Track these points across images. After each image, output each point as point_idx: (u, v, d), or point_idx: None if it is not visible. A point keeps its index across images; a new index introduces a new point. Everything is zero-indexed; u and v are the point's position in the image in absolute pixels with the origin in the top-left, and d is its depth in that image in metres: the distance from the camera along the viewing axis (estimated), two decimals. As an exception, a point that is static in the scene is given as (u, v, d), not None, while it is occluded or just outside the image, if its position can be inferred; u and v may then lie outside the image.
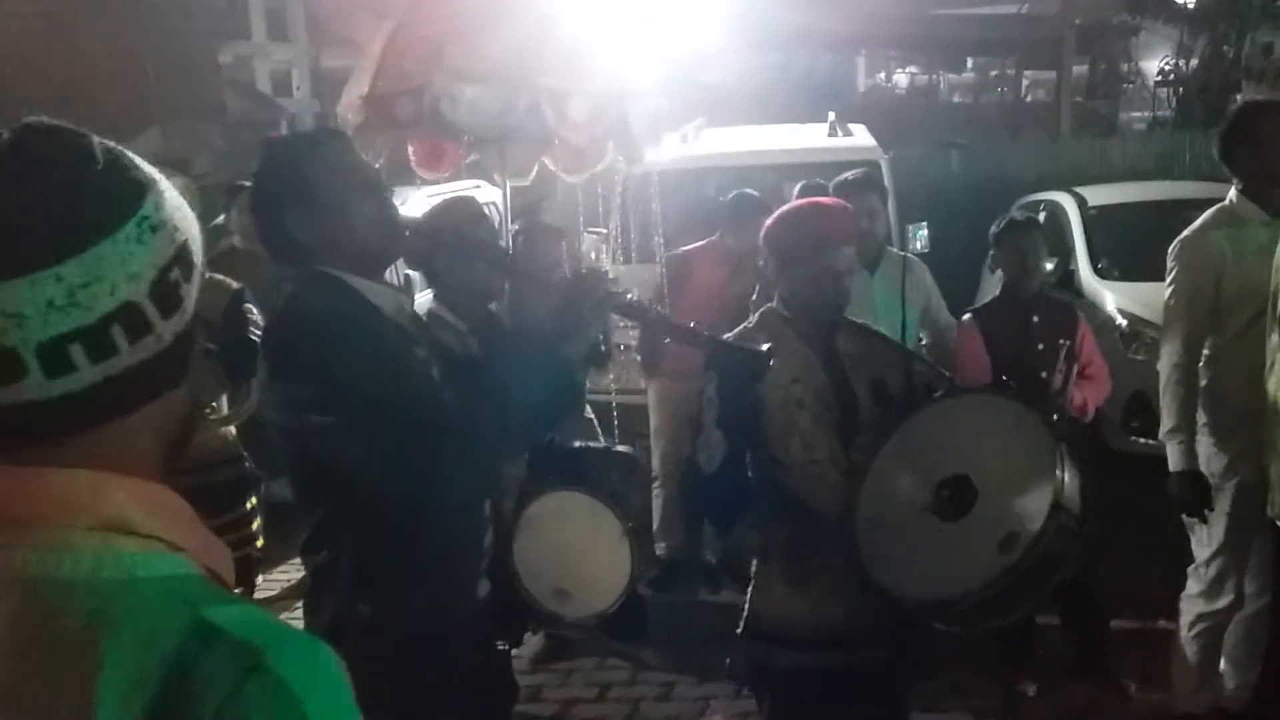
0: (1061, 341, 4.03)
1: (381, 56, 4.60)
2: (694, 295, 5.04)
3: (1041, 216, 7.82)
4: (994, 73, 26.17)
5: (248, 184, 2.63)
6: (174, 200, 0.97)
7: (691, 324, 2.43)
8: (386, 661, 2.04)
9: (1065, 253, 7.51)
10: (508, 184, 5.16)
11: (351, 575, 2.07)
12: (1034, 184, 9.62)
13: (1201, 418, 3.52)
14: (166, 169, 1.04)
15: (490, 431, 2.03)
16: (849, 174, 4.57)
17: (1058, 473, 2.32)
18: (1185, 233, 3.59)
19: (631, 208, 7.14)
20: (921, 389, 2.75)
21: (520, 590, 2.59)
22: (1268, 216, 3.43)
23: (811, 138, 7.96)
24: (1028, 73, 23.93)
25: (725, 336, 2.70)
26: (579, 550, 2.81)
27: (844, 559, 2.51)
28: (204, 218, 1.08)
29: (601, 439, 4.70)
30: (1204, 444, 3.51)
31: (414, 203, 6.76)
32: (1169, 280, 3.57)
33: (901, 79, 28.90)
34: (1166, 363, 3.54)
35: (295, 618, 3.03)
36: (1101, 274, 7.34)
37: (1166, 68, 19.62)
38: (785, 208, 2.83)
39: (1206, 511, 3.49)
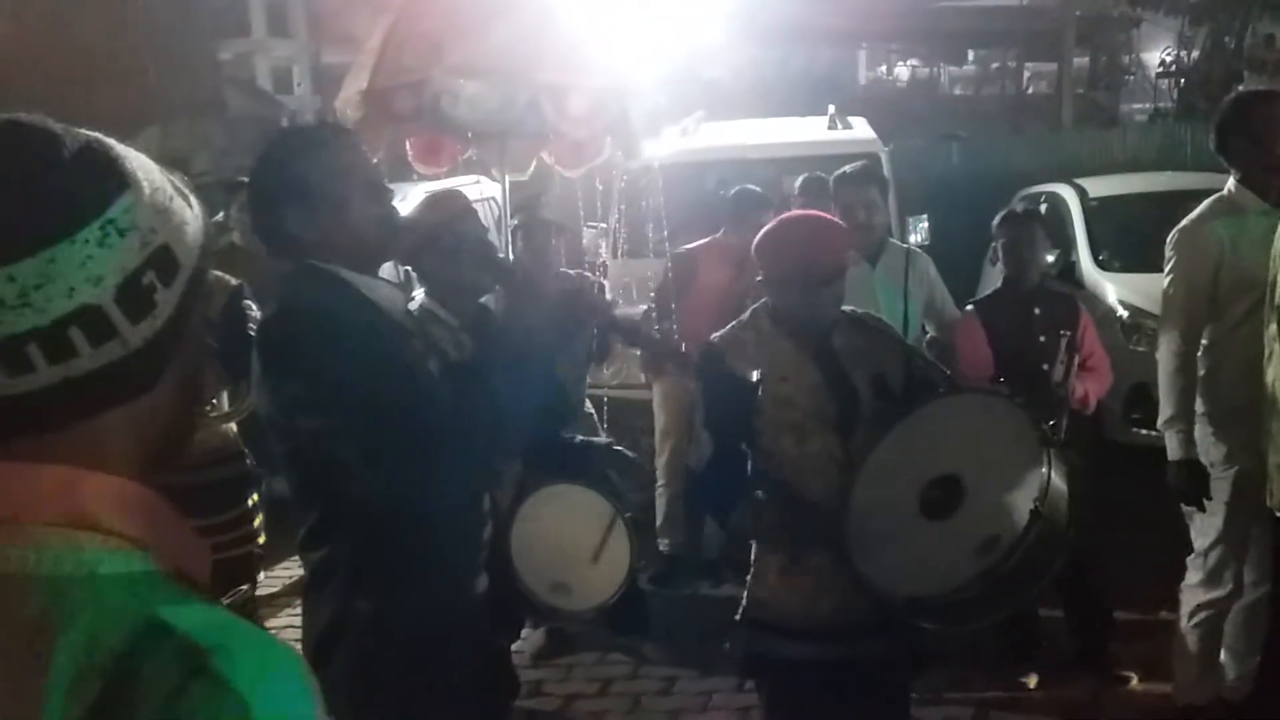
0: (1063, 333, 4.02)
1: (380, 51, 4.60)
2: (700, 293, 5.04)
3: (1042, 208, 7.82)
4: (995, 65, 26.14)
5: (247, 180, 2.64)
6: (156, 202, 0.95)
7: (683, 347, 2.44)
8: (386, 658, 2.04)
9: (1066, 245, 7.50)
10: (506, 179, 5.17)
11: (350, 572, 2.07)
12: (1035, 176, 9.60)
13: (1200, 407, 3.52)
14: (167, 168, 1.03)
15: (485, 434, 2.03)
16: (849, 167, 4.56)
17: (1044, 479, 2.32)
18: (1184, 222, 3.59)
19: (631, 202, 7.14)
20: (922, 384, 2.75)
21: (518, 585, 2.59)
22: (1266, 206, 3.42)
23: (811, 131, 7.95)
24: (1029, 65, 23.89)
25: (714, 336, 2.72)
26: (577, 543, 2.81)
27: (835, 550, 2.51)
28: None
29: (601, 433, 4.70)
30: (1202, 433, 3.51)
31: (412, 198, 6.75)
32: (1167, 270, 3.57)
33: (902, 72, 28.89)
34: (1165, 352, 3.54)
35: (297, 614, 3.04)
36: (1103, 266, 7.33)
37: (1168, 59, 19.61)
38: (779, 224, 2.75)
39: (1205, 501, 3.49)
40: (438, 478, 1.96)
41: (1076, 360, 4.05)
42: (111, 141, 0.97)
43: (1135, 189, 8.29)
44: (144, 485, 0.96)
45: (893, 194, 6.05)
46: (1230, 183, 3.55)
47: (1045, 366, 3.99)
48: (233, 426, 4.10)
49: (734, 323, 2.76)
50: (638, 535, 2.93)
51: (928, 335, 4.69)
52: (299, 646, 2.04)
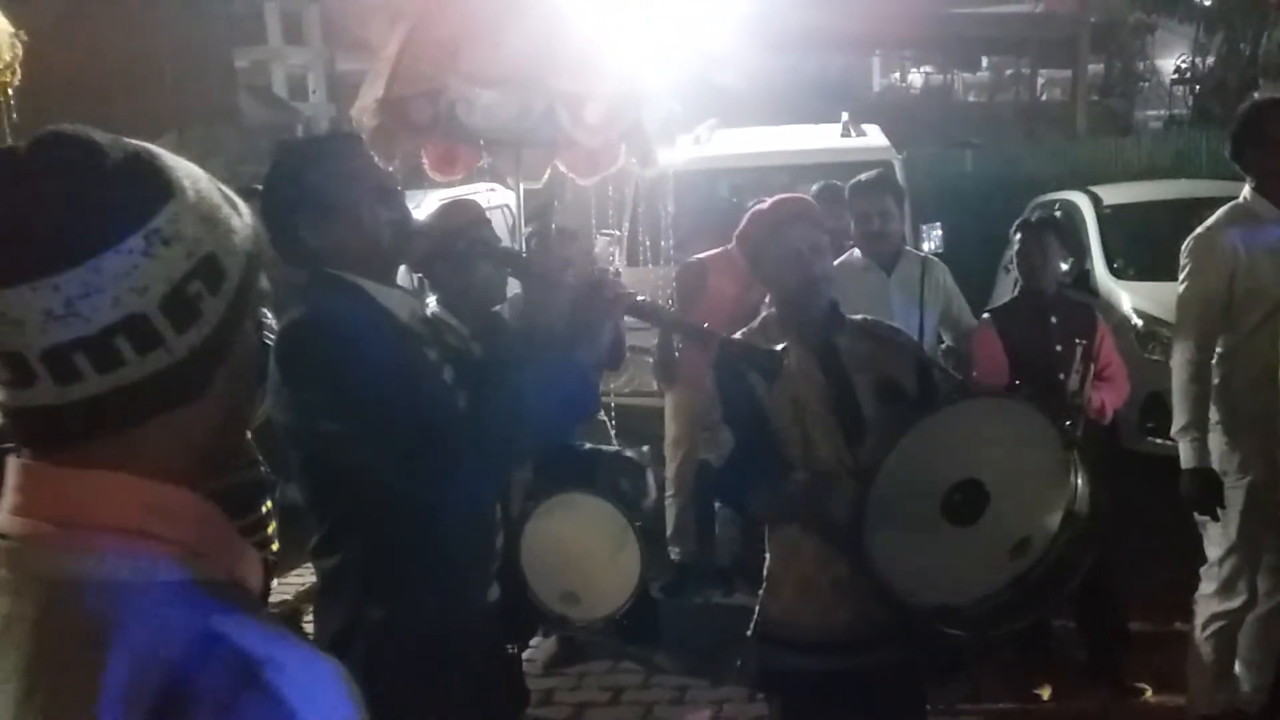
0: (1078, 342, 4.01)
1: (396, 59, 4.61)
2: (709, 303, 5.03)
3: (1056, 216, 7.79)
4: (1009, 72, 26.12)
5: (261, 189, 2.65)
6: (202, 210, 0.96)
7: (704, 324, 2.43)
8: (397, 666, 2.04)
9: (1080, 253, 7.48)
10: (521, 187, 5.17)
11: (362, 580, 2.07)
12: (1049, 183, 9.59)
13: (1214, 415, 3.50)
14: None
15: (503, 436, 2.02)
16: (864, 175, 4.55)
17: (1071, 479, 2.30)
18: (1199, 230, 3.58)
19: (644, 209, 7.14)
20: (938, 388, 2.74)
21: (527, 593, 2.59)
22: (1282, 214, 3.41)
23: (825, 138, 7.94)
24: (1043, 72, 23.87)
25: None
26: (587, 552, 2.81)
27: (850, 562, 2.50)
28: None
29: (614, 441, 4.70)
30: (1216, 442, 3.50)
31: (427, 206, 6.77)
32: (1182, 277, 3.55)
33: (916, 79, 28.88)
34: (1179, 360, 3.53)
35: (307, 622, 3.04)
36: (1117, 274, 7.30)
37: (1182, 66, 19.55)
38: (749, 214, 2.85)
39: (1219, 510, 3.48)
40: (456, 478, 1.96)
41: (1092, 370, 4.04)
42: (158, 150, 0.97)
43: (1150, 196, 8.26)
44: (195, 492, 0.97)
45: (907, 202, 6.05)
46: (1246, 190, 3.54)
47: (1061, 376, 3.98)
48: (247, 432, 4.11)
49: (745, 329, 2.77)
50: (648, 544, 2.92)
51: (943, 344, 4.68)
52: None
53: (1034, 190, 9.31)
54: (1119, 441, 6.25)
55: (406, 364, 2.06)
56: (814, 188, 5.36)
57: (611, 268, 6.95)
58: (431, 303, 3.09)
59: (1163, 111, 21.16)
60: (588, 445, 3.22)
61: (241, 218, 1.01)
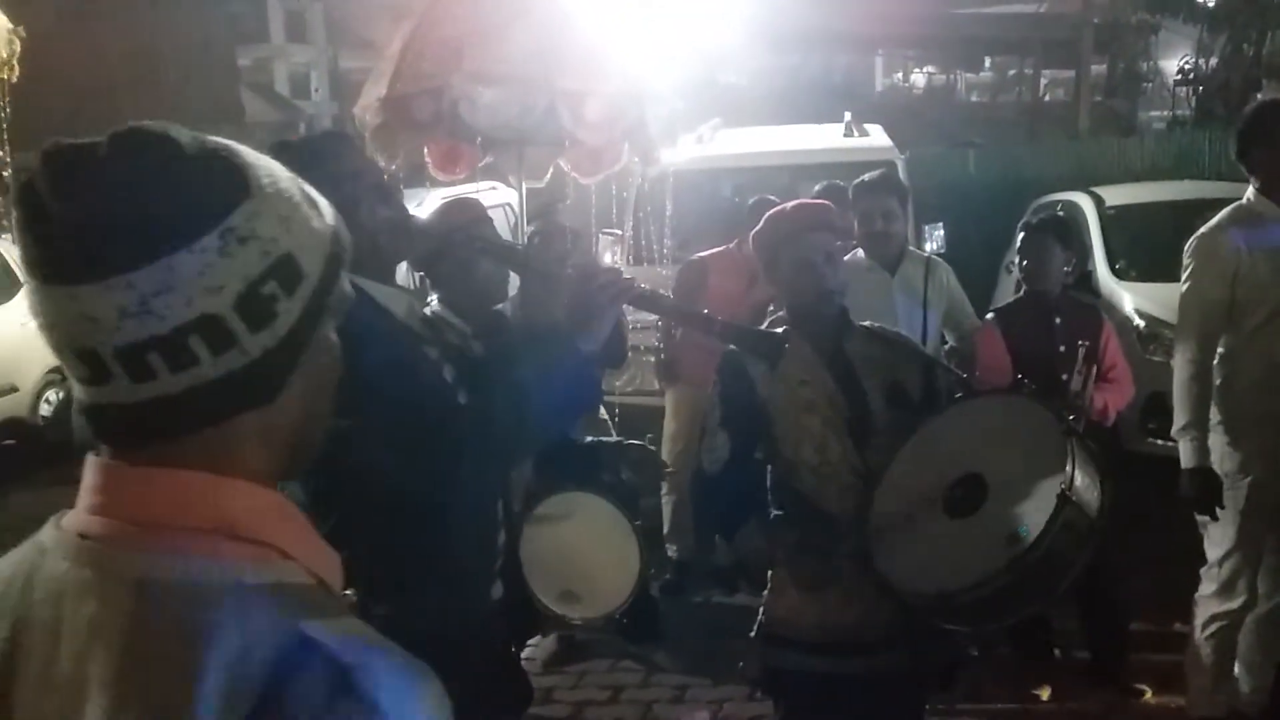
0: (1081, 343, 4.01)
1: (400, 58, 4.62)
2: (710, 303, 5.03)
3: (1060, 217, 7.79)
4: (1012, 72, 26.13)
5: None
6: (280, 210, 0.95)
7: (704, 311, 2.43)
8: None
9: (1083, 253, 7.46)
10: (523, 185, 5.18)
11: (366, 578, 2.07)
12: (1051, 184, 9.57)
13: (1215, 416, 3.51)
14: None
15: (507, 431, 2.02)
16: (868, 175, 4.54)
17: (1067, 468, 2.31)
18: (1202, 230, 3.58)
19: (647, 208, 7.14)
20: (943, 393, 2.75)
21: (527, 592, 2.59)
22: (1285, 215, 3.41)
23: (827, 138, 7.94)
24: (1046, 72, 23.87)
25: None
26: (586, 551, 2.81)
27: (856, 563, 2.51)
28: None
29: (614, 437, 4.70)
30: (1217, 442, 3.50)
31: (428, 204, 6.78)
32: (1185, 277, 3.56)
33: (919, 79, 28.89)
34: (1181, 360, 3.53)
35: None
36: (1119, 275, 7.30)
37: (1186, 66, 19.51)
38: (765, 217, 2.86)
39: (1219, 510, 3.47)
40: (459, 475, 1.96)
41: (1095, 371, 4.04)
42: (240, 148, 0.96)
43: (1152, 197, 8.25)
44: (277, 493, 0.96)
45: (910, 202, 6.05)
46: (1250, 191, 3.54)
47: (1065, 376, 3.98)
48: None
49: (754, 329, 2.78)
50: (648, 542, 2.92)
51: (947, 345, 4.68)
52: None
53: (1036, 191, 9.30)
54: (1120, 442, 6.25)
55: (406, 362, 2.06)
56: (817, 188, 5.36)
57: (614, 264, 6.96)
58: (433, 301, 3.09)
59: (1166, 112, 21.13)
60: (588, 438, 3.21)
61: (323, 218, 1.01)
